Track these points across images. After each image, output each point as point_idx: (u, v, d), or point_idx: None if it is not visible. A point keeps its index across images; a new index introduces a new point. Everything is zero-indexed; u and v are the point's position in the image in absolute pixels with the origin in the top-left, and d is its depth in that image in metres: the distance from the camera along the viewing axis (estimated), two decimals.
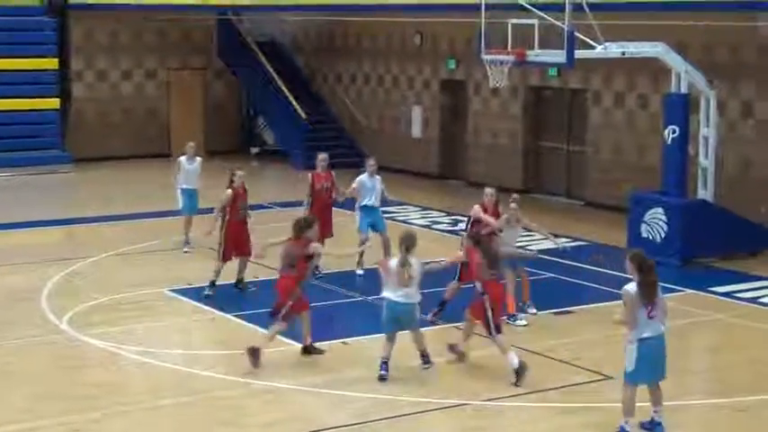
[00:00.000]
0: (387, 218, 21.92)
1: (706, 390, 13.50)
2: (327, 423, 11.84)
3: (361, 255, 17.73)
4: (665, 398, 11.41)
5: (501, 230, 15.49)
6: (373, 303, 16.29)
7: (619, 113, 24.79)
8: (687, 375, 13.43)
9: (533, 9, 18.67)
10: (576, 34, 18.36)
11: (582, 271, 18.84)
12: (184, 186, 20.07)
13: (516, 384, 12.78)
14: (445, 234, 21.61)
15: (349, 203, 18.93)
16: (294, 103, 31.51)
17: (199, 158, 20.25)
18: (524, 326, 15.33)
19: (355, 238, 18.08)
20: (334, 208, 18.48)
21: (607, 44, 18.73)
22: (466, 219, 16.21)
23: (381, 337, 13.30)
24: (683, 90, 19.46)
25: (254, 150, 33.88)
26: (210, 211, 17.49)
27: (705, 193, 19.94)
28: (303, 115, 31.27)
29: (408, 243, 13.02)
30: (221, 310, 16.17)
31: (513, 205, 15.68)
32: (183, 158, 20.24)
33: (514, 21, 18.77)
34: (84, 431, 11.64)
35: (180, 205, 20.11)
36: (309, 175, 18.36)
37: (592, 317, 16.00)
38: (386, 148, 30.11)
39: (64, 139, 31.31)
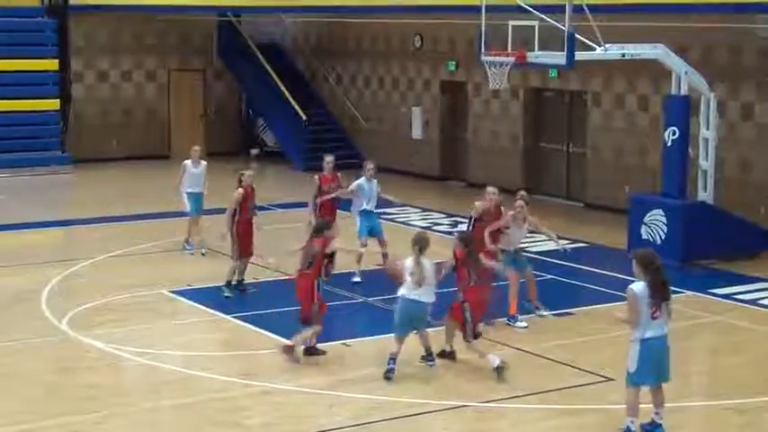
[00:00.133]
0: (387, 219, 22.01)
1: (706, 391, 13.50)
2: (327, 424, 11.83)
3: (359, 261, 17.75)
4: (665, 399, 11.40)
5: (508, 228, 15.49)
6: (374, 305, 16.34)
7: (619, 115, 24.80)
8: (687, 377, 13.41)
9: (533, 10, 18.69)
10: (577, 36, 18.37)
11: (582, 272, 18.85)
12: (190, 190, 20.03)
13: (498, 381, 12.96)
14: (445, 236, 21.60)
15: (344, 205, 18.91)
16: (294, 104, 31.52)
17: (204, 162, 20.23)
18: (524, 327, 15.33)
19: (355, 240, 18.07)
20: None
21: (607, 46, 18.73)
22: (467, 219, 16.15)
23: (389, 337, 13.41)
24: (683, 92, 19.47)
25: (254, 152, 33.89)
26: (214, 212, 17.49)
27: (705, 194, 19.94)
28: (303, 116, 31.28)
29: (422, 244, 13.16)
30: (222, 311, 16.18)
31: (519, 202, 15.64)
32: (187, 162, 20.18)
33: (514, 22, 18.78)
34: None
35: (188, 208, 20.06)
36: (316, 177, 18.37)
37: (592, 318, 16.00)
38: (386, 150, 30.15)
39: (64, 140, 31.31)
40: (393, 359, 13.09)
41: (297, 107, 31.43)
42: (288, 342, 13.69)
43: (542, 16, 18.46)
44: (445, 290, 13.67)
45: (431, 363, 13.54)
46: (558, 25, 18.25)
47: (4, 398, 12.60)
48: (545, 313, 15.87)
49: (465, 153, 28.93)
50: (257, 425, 11.86)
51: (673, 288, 11.39)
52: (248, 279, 17.43)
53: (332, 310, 14.38)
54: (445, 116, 29.75)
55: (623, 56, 19.26)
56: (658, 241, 19.24)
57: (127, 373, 13.73)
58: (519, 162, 27.19)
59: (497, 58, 19.02)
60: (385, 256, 17.94)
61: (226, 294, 16.89)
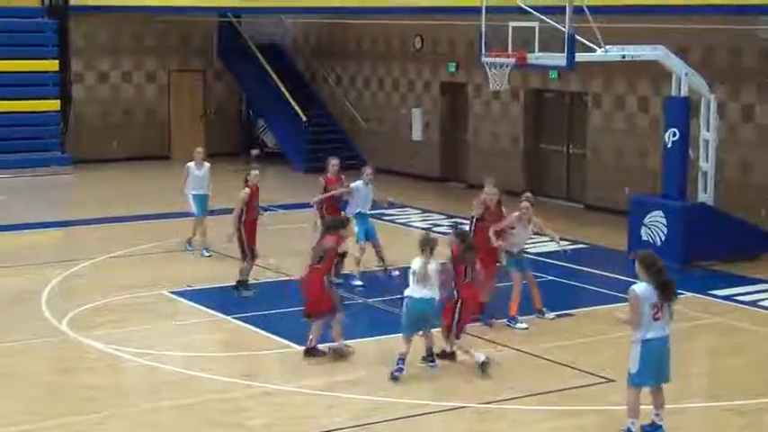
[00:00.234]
0: (388, 220, 22.03)
1: (706, 393, 13.50)
2: (327, 425, 11.83)
3: (359, 264, 17.78)
4: (665, 400, 11.40)
5: (513, 228, 15.49)
6: (374, 306, 16.34)
7: (619, 116, 24.80)
8: (687, 378, 13.40)
9: (534, 12, 18.69)
10: (577, 37, 18.37)
11: (582, 274, 18.86)
12: (194, 192, 20.02)
13: (482, 376, 13.10)
14: (445, 237, 21.59)
15: (341, 206, 18.90)
16: (294, 105, 31.52)
17: (207, 164, 20.21)
18: (525, 329, 15.33)
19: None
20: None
21: (607, 47, 18.72)
22: (469, 220, 16.10)
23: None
24: (684, 93, 19.47)
25: (254, 152, 33.83)
26: (218, 212, 17.49)
27: (705, 196, 19.94)
28: (303, 117, 31.28)
29: (432, 244, 13.26)
30: (222, 311, 16.17)
31: (525, 204, 15.64)
32: (191, 164, 20.16)
33: (515, 23, 18.77)
34: None
35: (194, 210, 20.04)
36: (321, 178, 18.38)
37: (592, 319, 16.00)
38: (386, 151, 30.16)
39: (64, 140, 31.31)
40: (402, 359, 13.12)
41: (297, 108, 31.44)
42: (331, 345, 13.83)
43: (542, 17, 18.46)
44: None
45: (432, 364, 13.56)
46: (559, 26, 18.25)
47: (4, 398, 12.60)
48: (550, 316, 15.87)
49: (465, 154, 28.93)
50: (258, 426, 11.86)
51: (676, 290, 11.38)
52: (249, 280, 17.39)
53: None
54: (445, 117, 29.75)
55: (623, 57, 19.26)
56: (658, 243, 19.23)
57: (127, 374, 13.73)
58: (519, 163, 27.19)
59: (498, 60, 19.02)
60: (381, 258, 17.99)
61: (244, 294, 16.92)
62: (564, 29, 18.18)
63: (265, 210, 17.70)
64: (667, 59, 19.48)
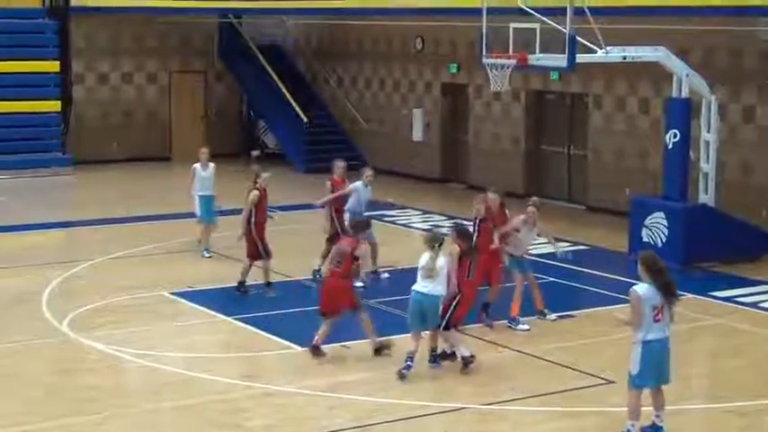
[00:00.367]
0: (388, 221, 22.02)
1: (707, 394, 13.51)
2: (327, 426, 11.83)
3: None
4: (666, 402, 11.40)
5: (518, 230, 15.51)
6: (375, 307, 16.30)
7: (620, 118, 24.80)
8: (688, 380, 13.41)
9: (535, 13, 18.69)
10: (578, 38, 18.37)
11: (583, 275, 18.86)
12: (200, 193, 20.01)
13: (462, 372, 13.22)
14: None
15: None
16: (295, 106, 31.51)
17: (212, 165, 20.20)
18: (526, 330, 15.32)
19: None
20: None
21: (608, 48, 18.72)
22: (472, 222, 16.08)
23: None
24: (684, 94, 19.47)
25: (255, 153, 33.83)
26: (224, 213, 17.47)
27: (706, 197, 19.93)
28: (304, 118, 31.27)
29: (441, 241, 13.35)
30: (223, 312, 16.17)
31: (531, 209, 15.65)
32: (197, 165, 20.12)
33: (516, 25, 18.77)
34: None
35: (198, 212, 20.02)
36: (328, 181, 18.35)
37: (593, 321, 16.00)
38: (387, 152, 30.15)
39: (65, 141, 31.30)
40: (411, 357, 13.18)
41: (298, 109, 31.42)
42: (375, 345, 13.92)
43: (543, 19, 18.46)
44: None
45: (434, 365, 13.54)
46: (560, 28, 18.25)
47: (4, 399, 12.60)
48: (551, 317, 15.86)
49: (466, 155, 28.92)
50: (258, 427, 11.86)
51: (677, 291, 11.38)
52: (249, 281, 17.38)
53: None
54: (446, 118, 29.74)
55: (624, 58, 19.27)
56: (659, 244, 19.22)
57: (127, 375, 13.73)
58: (520, 165, 27.18)
59: (499, 61, 19.02)
60: (373, 260, 17.99)
61: (271, 295, 16.93)
62: (565, 30, 18.18)
63: (272, 210, 17.70)
64: (668, 61, 19.48)
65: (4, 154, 29.80)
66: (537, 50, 18.64)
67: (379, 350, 13.96)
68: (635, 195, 21.25)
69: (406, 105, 30.47)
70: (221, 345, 15.10)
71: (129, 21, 32.48)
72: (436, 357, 13.60)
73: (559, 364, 13.91)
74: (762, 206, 21.47)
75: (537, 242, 18.70)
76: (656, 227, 19.49)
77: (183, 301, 16.92)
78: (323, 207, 18.27)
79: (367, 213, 18.11)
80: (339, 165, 18.49)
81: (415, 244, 19.59)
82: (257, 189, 17.23)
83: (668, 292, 11.06)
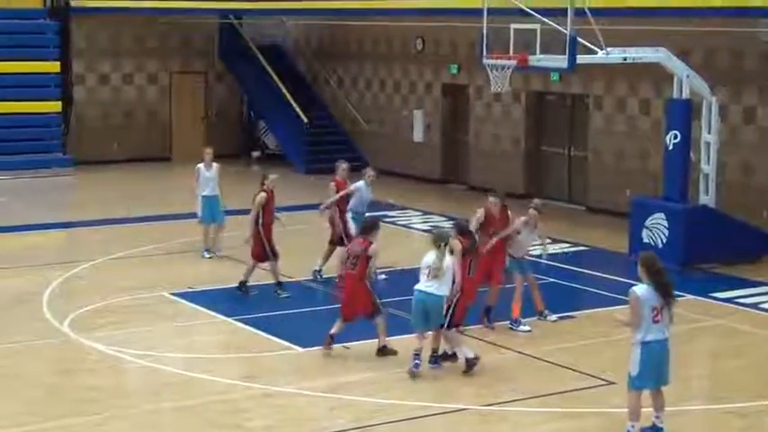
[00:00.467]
0: (389, 222, 22.01)
1: (707, 395, 13.51)
2: (328, 427, 11.84)
3: None
4: (666, 403, 11.40)
5: (519, 232, 15.51)
6: None
7: (620, 119, 24.80)
8: (688, 380, 13.42)
9: (535, 14, 18.69)
10: (578, 39, 18.37)
11: (583, 276, 18.87)
12: (204, 194, 20.00)
13: (465, 372, 13.21)
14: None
15: None
16: (295, 106, 31.51)
17: (216, 165, 20.19)
18: (527, 331, 15.32)
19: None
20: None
21: (609, 49, 18.73)
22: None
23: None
24: (685, 95, 19.47)
25: (255, 154, 33.86)
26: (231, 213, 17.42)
27: (707, 198, 19.93)
28: (304, 119, 31.28)
29: (447, 240, 13.36)
30: (223, 313, 16.17)
31: (532, 212, 15.66)
32: (201, 165, 20.10)
33: (516, 25, 18.77)
34: None
35: (199, 213, 20.01)
36: (332, 183, 18.36)
37: (593, 321, 16.00)
38: (387, 153, 30.15)
39: (65, 142, 31.30)
40: (417, 355, 13.21)
41: (298, 110, 31.42)
42: (381, 345, 13.93)
43: (544, 19, 18.47)
44: None
45: (435, 366, 13.55)
46: (560, 28, 18.26)
47: (5, 399, 12.60)
48: (552, 318, 15.86)
49: (466, 156, 28.92)
50: (258, 427, 11.86)
51: (674, 292, 11.37)
52: (250, 282, 17.38)
53: (333, 312, 14.37)
54: (447, 119, 29.74)
55: (625, 59, 19.27)
56: (659, 245, 19.23)
57: (128, 376, 13.73)
58: (520, 165, 27.18)
59: (499, 62, 19.02)
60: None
61: (284, 295, 16.92)
62: (565, 31, 18.19)
63: (278, 212, 17.71)
64: (669, 62, 19.48)
65: (5, 154, 29.79)
66: (537, 51, 18.65)
67: (383, 350, 13.94)
68: (635, 196, 21.26)
69: (407, 106, 30.48)
70: (221, 345, 15.11)
71: (130, 21, 32.48)
72: (437, 358, 13.61)
73: (560, 365, 13.91)
74: (762, 207, 21.47)
75: (536, 243, 18.75)
76: (657, 228, 19.49)
77: (183, 301, 16.92)
78: (328, 209, 18.24)
79: (368, 214, 18.13)
80: (342, 166, 18.50)
81: (414, 245, 19.68)
82: (264, 191, 17.24)
83: (665, 293, 11.06)
